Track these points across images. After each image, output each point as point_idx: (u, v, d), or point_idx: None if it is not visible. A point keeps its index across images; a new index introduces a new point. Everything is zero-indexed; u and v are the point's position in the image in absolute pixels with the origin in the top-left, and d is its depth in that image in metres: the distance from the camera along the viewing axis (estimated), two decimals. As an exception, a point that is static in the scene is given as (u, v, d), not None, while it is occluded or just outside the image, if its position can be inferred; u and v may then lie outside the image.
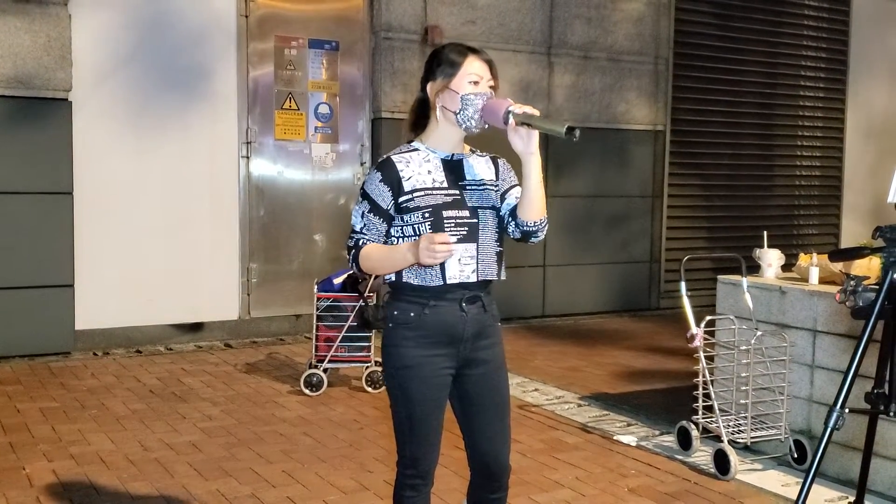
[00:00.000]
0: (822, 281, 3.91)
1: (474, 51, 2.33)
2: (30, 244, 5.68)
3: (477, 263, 2.30)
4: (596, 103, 7.65)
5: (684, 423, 3.97)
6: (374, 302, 4.97)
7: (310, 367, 4.96)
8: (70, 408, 4.60)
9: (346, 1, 6.77)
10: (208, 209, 6.34)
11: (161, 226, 6.18)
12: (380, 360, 5.50)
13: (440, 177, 2.31)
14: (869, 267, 3.39)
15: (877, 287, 2.64)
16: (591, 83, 7.61)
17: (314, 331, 4.97)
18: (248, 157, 6.48)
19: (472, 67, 2.29)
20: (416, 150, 2.33)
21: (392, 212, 2.29)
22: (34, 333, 5.71)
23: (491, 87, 2.31)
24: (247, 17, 6.39)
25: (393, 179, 2.28)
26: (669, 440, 4.13)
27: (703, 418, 3.90)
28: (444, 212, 2.26)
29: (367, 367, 4.98)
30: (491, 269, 2.34)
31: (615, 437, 4.23)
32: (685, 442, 3.96)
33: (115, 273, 6.01)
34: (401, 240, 2.29)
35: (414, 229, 2.27)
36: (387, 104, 6.74)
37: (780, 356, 3.86)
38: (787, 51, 8.74)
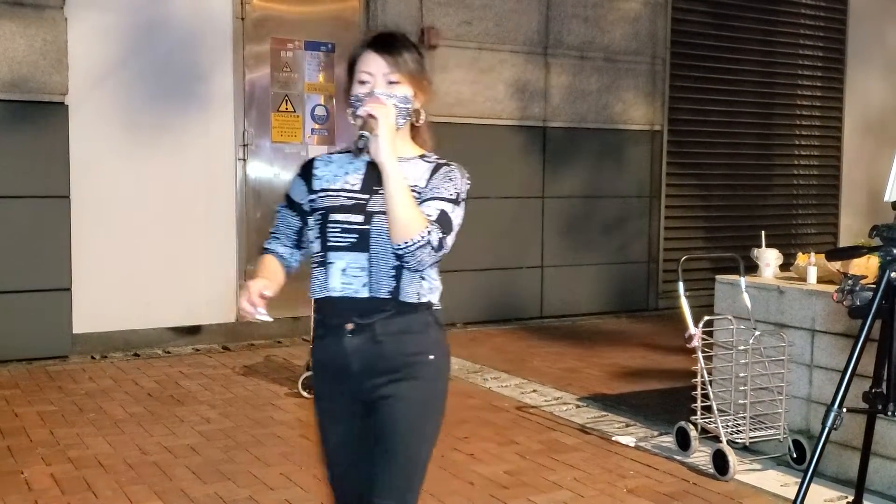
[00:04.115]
0: (821, 280, 3.90)
1: (373, 42, 2.05)
2: (27, 248, 5.67)
3: (369, 277, 2.00)
4: (593, 103, 7.64)
5: (683, 423, 3.97)
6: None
7: (307, 370, 4.96)
8: (68, 411, 4.59)
9: (341, 3, 6.76)
10: (205, 212, 6.33)
11: (158, 229, 6.18)
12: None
13: (356, 179, 2.07)
14: (867, 266, 3.39)
15: (874, 286, 2.64)
16: (588, 83, 7.61)
17: (311, 333, 4.96)
18: (244, 160, 6.47)
19: (363, 64, 2.03)
20: (350, 150, 2.10)
21: (307, 208, 2.11)
22: (32, 337, 5.69)
23: (392, 82, 2.02)
24: (243, 19, 6.39)
25: (307, 176, 2.12)
26: (668, 440, 4.13)
27: (702, 418, 3.89)
28: (332, 215, 2.03)
29: (366, 369, 4.97)
30: (388, 285, 2.00)
31: (614, 438, 4.23)
32: (684, 442, 3.96)
33: (112, 276, 6.00)
34: (311, 244, 2.09)
35: (314, 233, 2.07)
36: (384, 106, 6.72)
37: (778, 356, 3.86)
38: (784, 49, 8.75)
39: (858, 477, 2.94)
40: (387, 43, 2.05)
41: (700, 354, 3.84)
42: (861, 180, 9.18)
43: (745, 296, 3.95)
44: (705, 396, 3.86)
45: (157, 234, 6.17)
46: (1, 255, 5.62)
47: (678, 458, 3.93)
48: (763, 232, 4.33)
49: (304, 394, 4.88)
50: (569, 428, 4.41)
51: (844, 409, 2.60)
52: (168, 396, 4.92)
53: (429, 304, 2.08)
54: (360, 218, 2.02)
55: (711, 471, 3.71)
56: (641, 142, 7.92)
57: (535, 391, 5.14)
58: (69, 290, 5.84)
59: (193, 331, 6.30)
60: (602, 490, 3.57)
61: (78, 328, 5.89)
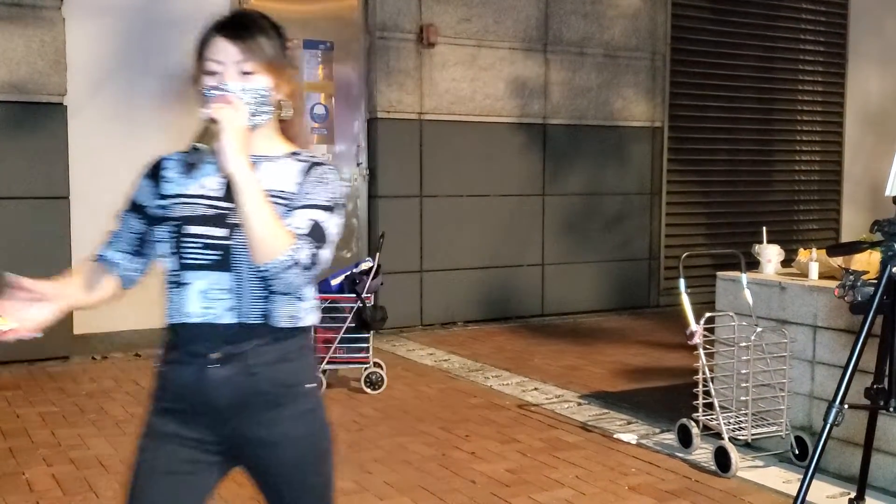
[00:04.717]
0: (822, 276, 3.89)
1: (223, 25, 1.78)
2: (27, 249, 5.66)
3: (236, 300, 1.71)
4: (593, 100, 7.63)
5: (684, 420, 3.96)
6: (372, 303, 4.96)
7: (309, 369, 4.95)
8: (69, 412, 4.59)
9: (340, 1, 6.75)
10: (205, 211, 6.32)
11: (158, 229, 6.17)
12: (379, 361, 5.48)
13: (216, 184, 1.75)
14: (868, 261, 3.38)
15: (875, 281, 2.63)
16: (588, 80, 7.60)
17: (312, 332, 4.95)
18: (244, 159, 6.46)
19: (211, 51, 1.76)
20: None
21: (152, 211, 1.81)
22: (32, 338, 5.69)
23: (246, 72, 1.74)
24: (241, 18, 6.38)
25: (154, 177, 1.81)
26: (670, 438, 4.12)
27: (704, 415, 3.88)
28: (189, 227, 1.72)
29: (366, 368, 4.97)
30: (258, 309, 1.72)
31: (615, 436, 4.22)
32: (685, 439, 3.95)
33: (112, 277, 6.00)
34: (165, 260, 1.80)
35: (167, 247, 1.77)
36: (382, 104, 6.73)
37: (780, 352, 3.85)
38: (784, 44, 8.73)
39: (861, 473, 2.93)
40: (239, 25, 1.77)
41: (701, 351, 3.83)
42: (862, 175, 9.17)
43: (747, 292, 3.94)
44: (707, 393, 3.85)
45: (157, 234, 6.17)
46: (1, 256, 5.61)
47: (680, 455, 3.92)
48: (764, 228, 4.32)
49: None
50: (570, 426, 4.40)
51: (846, 406, 2.59)
52: (169, 396, 4.92)
53: (305, 327, 1.81)
54: (222, 231, 1.71)
55: (713, 468, 3.70)
56: (642, 138, 7.91)
57: (536, 389, 5.13)
58: (70, 290, 5.83)
59: (194, 331, 6.29)
60: (604, 488, 3.56)
61: (79, 329, 5.88)
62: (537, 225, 7.44)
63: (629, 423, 4.45)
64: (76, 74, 5.82)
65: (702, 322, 3.82)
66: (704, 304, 4.24)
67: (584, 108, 7.59)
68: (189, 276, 1.74)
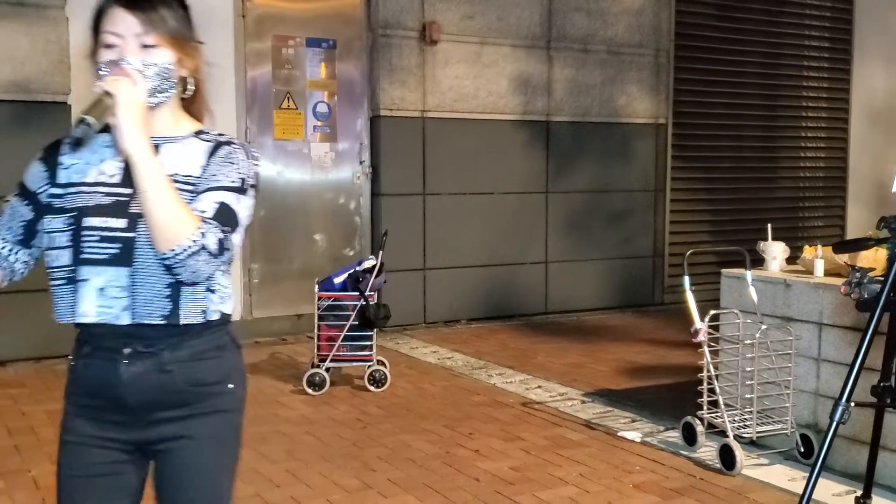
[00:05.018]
0: (828, 273, 3.88)
1: None
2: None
3: (133, 298, 1.59)
4: (596, 97, 7.61)
5: (689, 418, 3.95)
6: (375, 301, 4.96)
7: (312, 367, 4.95)
8: (73, 411, 4.59)
9: (343, -2, 6.75)
10: (209, 210, 6.32)
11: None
12: (382, 358, 5.47)
13: (114, 169, 1.64)
14: (875, 258, 3.36)
15: (882, 278, 2.62)
16: (592, 77, 7.58)
17: (316, 330, 4.96)
18: (247, 157, 6.45)
19: (109, 23, 1.62)
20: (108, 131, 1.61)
21: (44, 198, 1.68)
22: (38, 336, 5.69)
23: (147, 45, 1.62)
24: (244, 16, 6.37)
25: (49, 162, 1.70)
26: (674, 436, 4.11)
27: (708, 413, 3.87)
28: (87, 219, 1.59)
29: (370, 366, 4.97)
30: (158, 307, 1.60)
31: (619, 434, 4.21)
32: (690, 437, 3.94)
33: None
34: (57, 253, 1.63)
35: (63, 239, 1.62)
36: (385, 102, 6.72)
37: (785, 350, 3.83)
38: (789, 40, 8.70)
39: (867, 471, 2.92)
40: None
41: (706, 349, 3.82)
42: (868, 172, 9.13)
43: (752, 289, 3.93)
44: (711, 391, 3.84)
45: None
46: (5, 255, 5.62)
47: (684, 453, 3.91)
48: (769, 225, 4.30)
49: (310, 391, 4.87)
50: (574, 423, 4.40)
51: (852, 404, 2.57)
52: (173, 395, 4.92)
53: (222, 321, 1.70)
54: (121, 222, 1.59)
55: (718, 465, 3.69)
56: (646, 135, 7.89)
57: (540, 387, 5.13)
58: (73, 289, 5.84)
59: (198, 329, 6.29)
60: (608, 485, 3.55)
61: (82, 327, 5.88)
62: (541, 222, 7.43)
63: (633, 420, 4.44)
64: (80, 74, 5.82)
65: (706, 320, 3.81)
66: (709, 301, 4.22)
67: (588, 105, 7.57)
68: (85, 272, 1.60)
